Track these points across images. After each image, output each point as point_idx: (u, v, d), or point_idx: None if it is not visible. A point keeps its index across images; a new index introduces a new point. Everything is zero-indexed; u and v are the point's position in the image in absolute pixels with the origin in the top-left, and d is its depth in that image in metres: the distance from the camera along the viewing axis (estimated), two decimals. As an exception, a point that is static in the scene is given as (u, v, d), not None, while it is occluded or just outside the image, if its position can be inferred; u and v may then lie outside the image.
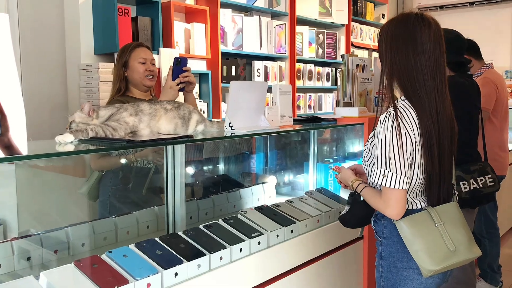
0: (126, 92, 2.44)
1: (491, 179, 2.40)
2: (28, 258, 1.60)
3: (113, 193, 2.29)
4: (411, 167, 1.55)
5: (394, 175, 1.51)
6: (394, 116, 1.52)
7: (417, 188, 1.61)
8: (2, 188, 1.97)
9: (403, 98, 1.61)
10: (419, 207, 1.62)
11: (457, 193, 1.73)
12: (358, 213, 1.73)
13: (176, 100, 2.11)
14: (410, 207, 1.61)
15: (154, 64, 2.49)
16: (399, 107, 1.56)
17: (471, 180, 2.36)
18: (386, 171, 1.52)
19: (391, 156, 1.51)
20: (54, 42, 3.55)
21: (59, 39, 3.49)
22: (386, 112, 1.56)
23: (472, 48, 3.31)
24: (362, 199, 1.71)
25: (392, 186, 1.52)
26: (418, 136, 1.54)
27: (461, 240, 1.58)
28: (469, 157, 2.44)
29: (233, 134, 1.92)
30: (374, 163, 1.60)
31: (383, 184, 1.53)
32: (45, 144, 1.61)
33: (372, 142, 1.66)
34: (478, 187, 2.36)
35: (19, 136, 1.24)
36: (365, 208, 1.70)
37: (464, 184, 2.35)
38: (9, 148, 1.21)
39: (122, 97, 2.37)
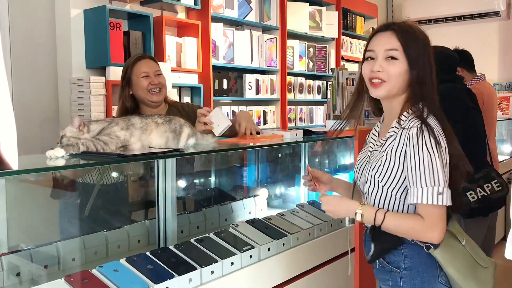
0: (136, 110, 2.35)
1: (498, 184, 2.36)
2: (18, 274, 1.59)
3: (83, 210, 2.20)
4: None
5: (448, 190, 1.38)
6: (432, 127, 1.40)
7: None
8: (-8, 203, 1.95)
9: (418, 107, 1.48)
10: None
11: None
12: (386, 245, 1.50)
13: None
14: None
15: (160, 75, 2.35)
16: (430, 120, 1.45)
17: (478, 189, 2.33)
18: (441, 188, 1.37)
19: (440, 171, 1.37)
20: (45, 55, 3.55)
21: (50, 53, 3.49)
22: (421, 124, 1.41)
23: (465, 60, 3.36)
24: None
25: (449, 203, 1.38)
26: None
27: (483, 255, 1.51)
28: (472, 165, 2.41)
29: (224, 148, 1.93)
30: (403, 182, 1.45)
31: (439, 202, 1.37)
32: (36, 159, 1.60)
33: (388, 154, 1.47)
34: (486, 194, 2.33)
35: (9, 151, 1.24)
36: (390, 236, 1.48)
37: (471, 194, 2.32)
38: (0, 163, 1.21)
39: (132, 115, 2.28)
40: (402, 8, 6.68)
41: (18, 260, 1.62)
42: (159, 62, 2.48)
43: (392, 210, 1.49)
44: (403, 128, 1.44)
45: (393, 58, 1.48)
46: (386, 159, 1.48)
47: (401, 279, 1.50)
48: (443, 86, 2.38)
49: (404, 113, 1.49)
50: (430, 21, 6.46)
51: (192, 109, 2.45)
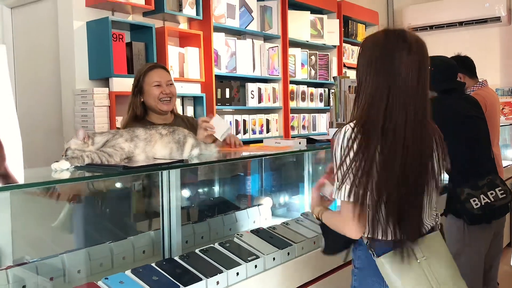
0: (145, 117, 2.41)
1: (502, 191, 2.38)
2: (24, 287, 1.59)
3: (88, 222, 2.21)
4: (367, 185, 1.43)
5: (344, 185, 1.42)
6: (351, 128, 1.44)
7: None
8: (-3, 215, 1.96)
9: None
10: (393, 237, 1.47)
11: (439, 221, 1.61)
12: (333, 240, 1.62)
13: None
14: (384, 237, 1.48)
15: (171, 85, 2.41)
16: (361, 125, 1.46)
17: (481, 196, 2.34)
18: (338, 183, 1.44)
19: (343, 167, 1.43)
20: (49, 67, 3.58)
21: (54, 65, 3.51)
22: (338, 128, 1.49)
23: (466, 66, 3.36)
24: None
25: (346, 198, 1.42)
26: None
27: (445, 276, 1.48)
28: (475, 172, 2.43)
29: (228, 158, 1.94)
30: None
31: (337, 197, 1.46)
32: (41, 172, 1.61)
33: None
34: (489, 201, 2.35)
35: (15, 165, 1.25)
36: (335, 233, 1.56)
37: (474, 200, 2.34)
38: (6, 177, 1.22)
39: (140, 123, 2.32)
40: (403, 15, 6.70)
41: (23, 272, 1.62)
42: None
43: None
44: None
45: None
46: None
47: (354, 276, 1.61)
48: (436, 98, 2.40)
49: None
50: (431, 27, 6.48)
51: (196, 122, 2.51)
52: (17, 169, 1.26)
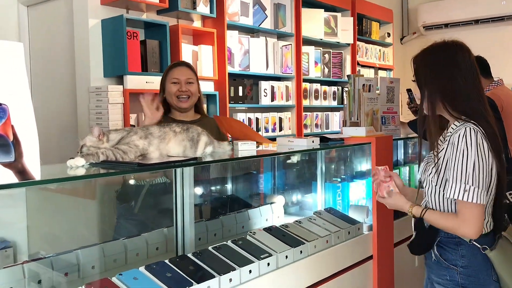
0: (168, 114, 2.46)
1: None
2: (39, 281, 1.61)
3: (102, 218, 2.28)
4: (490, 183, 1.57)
5: (477, 189, 1.51)
6: (476, 130, 1.54)
7: (489, 205, 1.63)
8: (13, 211, 1.99)
9: (463, 118, 1.62)
10: (491, 227, 1.65)
11: None
12: (426, 239, 1.71)
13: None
14: (485, 230, 1.61)
15: (191, 83, 2.43)
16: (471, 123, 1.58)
17: None
18: (468, 186, 1.52)
19: (475, 170, 1.51)
20: (64, 64, 3.61)
21: (69, 62, 3.55)
22: (464, 128, 1.56)
23: (480, 66, 3.31)
24: (427, 224, 1.69)
25: (475, 201, 1.51)
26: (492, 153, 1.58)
27: None
28: None
29: (241, 156, 1.94)
30: (446, 179, 1.60)
31: (464, 199, 1.52)
32: (57, 168, 1.63)
33: (440, 158, 1.64)
34: (509, 201, 2.33)
35: (32, 161, 1.27)
36: (432, 234, 1.69)
37: None
38: (23, 173, 1.23)
39: (163, 117, 2.37)
40: (418, 13, 6.64)
41: (39, 267, 1.65)
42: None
43: (443, 207, 1.66)
44: (453, 133, 1.61)
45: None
46: (436, 161, 1.66)
47: (458, 275, 1.66)
48: None
49: (456, 122, 1.63)
50: (446, 25, 6.41)
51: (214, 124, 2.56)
52: (33, 166, 1.27)
